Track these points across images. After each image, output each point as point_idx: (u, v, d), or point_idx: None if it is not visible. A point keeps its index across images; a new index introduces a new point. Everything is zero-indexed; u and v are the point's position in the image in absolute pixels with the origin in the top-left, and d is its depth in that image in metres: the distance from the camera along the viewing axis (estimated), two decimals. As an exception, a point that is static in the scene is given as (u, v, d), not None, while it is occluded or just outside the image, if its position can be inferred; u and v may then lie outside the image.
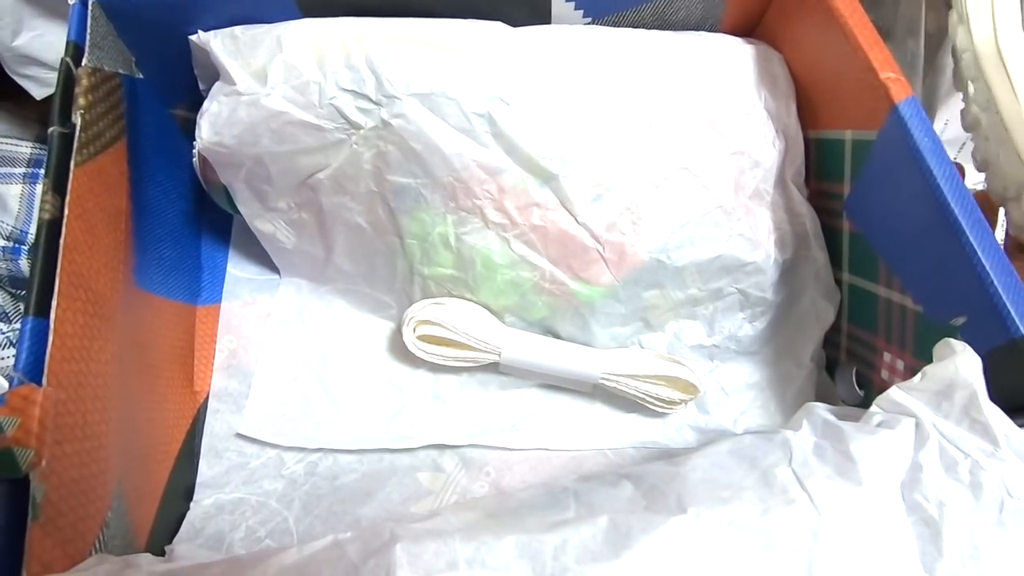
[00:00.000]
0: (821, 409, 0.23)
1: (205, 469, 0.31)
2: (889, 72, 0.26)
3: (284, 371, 0.33)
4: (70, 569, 0.19)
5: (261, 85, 0.28)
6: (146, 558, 0.20)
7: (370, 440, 0.32)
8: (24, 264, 0.36)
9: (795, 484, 0.19)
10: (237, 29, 0.29)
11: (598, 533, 0.18)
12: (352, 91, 0.28)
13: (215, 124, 0.29)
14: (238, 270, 0.36)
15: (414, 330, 0.32)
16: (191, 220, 0.36)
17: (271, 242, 0.34)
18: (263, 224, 0.33)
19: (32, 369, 0.20)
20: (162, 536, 0.27)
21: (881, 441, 0.20)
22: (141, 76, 0.31)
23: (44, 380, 0.20)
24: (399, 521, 0.20)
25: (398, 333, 0.34)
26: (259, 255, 0.35)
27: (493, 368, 0.34)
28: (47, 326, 0.21)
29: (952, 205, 0.24)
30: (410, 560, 0.17)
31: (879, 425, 0.21)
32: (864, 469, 0.19)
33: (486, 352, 0.32)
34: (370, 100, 0.28)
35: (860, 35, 0.26)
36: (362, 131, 0.28)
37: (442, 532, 0.18)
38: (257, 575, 0.17)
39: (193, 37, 0.29)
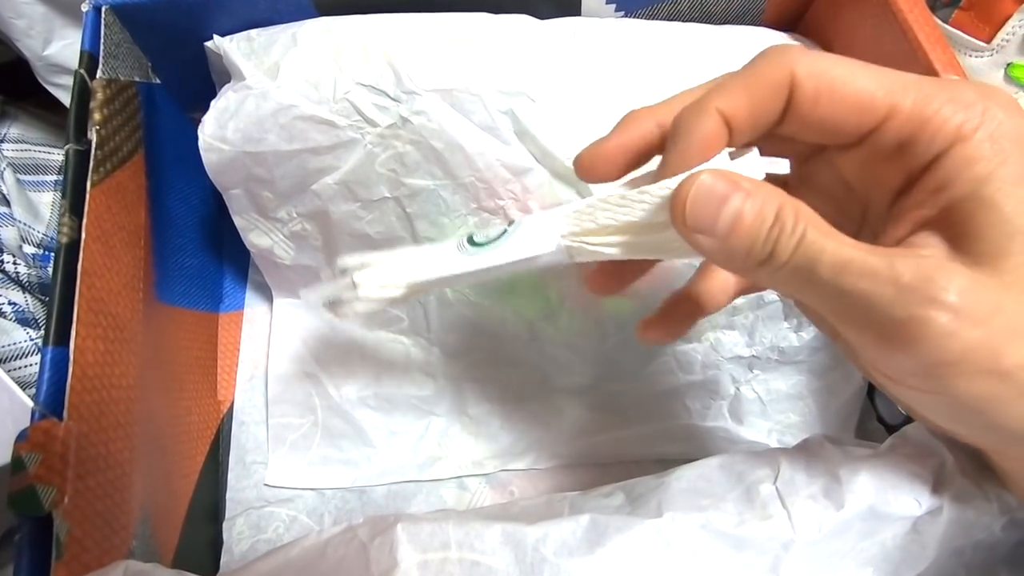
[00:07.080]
0: (823, 436, 0.23)
1: (234, 483, 0.31)
2: (953, 74, 0.23)
3: (299, 409, 0.32)
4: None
5: (272, 79, 0.26)
6: None
7: (401, 471, 0.32)
8: (53, 271, 0.36)
9: (776, 500, 0.20)
10: (252, 32, 0.28)
11: (578, 530, 0.19)
12: (369, 86, 0.26)
13: (220, 118, 0.27)
14: (260, 276, 0.35)
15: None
16: (212, 226, 0.35)
17: (266, 258, 0.32)
18: (259, 238, 0.31)
19: (53, 401, 0.20)
20: (188, 554, 0.27)
21: (872, 466, 0.20)
22: (158, 81, 0.30)
23: (65, 413, 0.19)
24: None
25: (412, 347, 0.33)
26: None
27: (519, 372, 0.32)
28: (67, 355, 0.20)
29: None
30: (409, 538, 0.19)
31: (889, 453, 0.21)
32: (848, 492, 0.19)
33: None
34: (388, 96, 0.26)
35: (920, 32, 0.24)
36: (378, 129, 0.27)
37: (439, 519, 0.20)
38: (280, 556, 0.19)
39: (209, 44, 0.28)
